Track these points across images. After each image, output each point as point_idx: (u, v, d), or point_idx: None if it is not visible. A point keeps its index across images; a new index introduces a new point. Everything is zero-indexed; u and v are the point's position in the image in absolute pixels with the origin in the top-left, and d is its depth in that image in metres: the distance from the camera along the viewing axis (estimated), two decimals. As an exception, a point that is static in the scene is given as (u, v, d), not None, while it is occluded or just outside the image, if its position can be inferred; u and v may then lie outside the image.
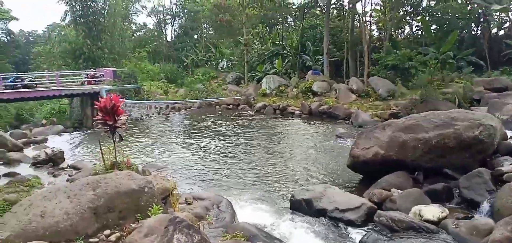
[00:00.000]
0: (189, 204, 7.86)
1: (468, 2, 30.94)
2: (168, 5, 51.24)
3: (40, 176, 10.71)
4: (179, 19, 52.54)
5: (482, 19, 31.23)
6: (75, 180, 8.40)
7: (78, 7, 35.33)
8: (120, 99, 8.99)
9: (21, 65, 52.96)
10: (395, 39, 32.90)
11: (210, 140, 17.52)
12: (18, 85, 25.08)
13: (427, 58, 25.82)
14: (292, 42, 37.63)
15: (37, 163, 12.64)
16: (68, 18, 37.85)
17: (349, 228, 7.56)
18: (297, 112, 24.94)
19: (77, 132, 22.79)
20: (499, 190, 7.37)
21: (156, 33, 52.18)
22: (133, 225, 6.02)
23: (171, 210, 7.22)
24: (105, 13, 36.96)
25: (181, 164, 13.47)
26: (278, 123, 22.10)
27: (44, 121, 28.75)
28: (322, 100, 25.06)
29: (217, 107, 28.21)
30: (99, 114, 8.78)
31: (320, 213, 8.15)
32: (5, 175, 10.88)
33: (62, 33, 43.70)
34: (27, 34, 69.47)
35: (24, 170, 11.86)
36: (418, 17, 32.88)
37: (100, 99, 9.08)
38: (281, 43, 37.97)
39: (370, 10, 32.72)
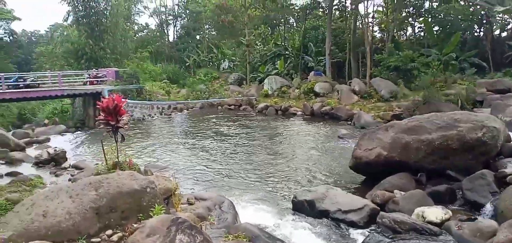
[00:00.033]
0: (191, 204, 7.84)
1: (471, 3, 30.87)
2: (170, 6, 51.43)
3: (42, 176, 10.72)
4: (181, 20, 52.55)
5: (485, 21, 31.18)
6: (77, 180, 8.39)
7: (80, 7, 35.38)
8: (123, 100, 8.99)
9: (24, 65, 53.02)
10: (397, 41, 32.89)
11: (212, 141, 17.51)
12: (21, 85, 25.10)
13: (429, 59, 25.79)
14: (294, 43, 37.60)
15: (39, 163, 12.65)
16: (70, 19, 37.94)
17: (352, 230, 7.55)
18: (299, 113, 24.92)
19: (79, 132, 22.80)
20: (502, 192, 7.34)
21: (158, 33, 52.20)
22: (135, 225, 6.01)
23: (173, 210, 7.21)
24: (108, 13, 37.00)
25: (183, 164, 13.46)
26: (280, 124, 22.08)
27: (46, 121, 28.78)
28: (324, 101, 25.03)
29: (219, 107, 28.20)
30: (102, 114, 8.78)
31: (322, 214, 8.14)
32: (8, 174, 10.89)
33: (65, 33, 43.76)
34: (29, 34, 69.59)
35: (27, 169, 11.87)
36: (421, 19, 32.84)
37: (102, 99, 9.06)
38: (283, 44, 37.96)
39: (373, 11, 32.72)
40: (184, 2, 51.91)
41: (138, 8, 50.18)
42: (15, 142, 15.18)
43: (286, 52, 36.20)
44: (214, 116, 24.94)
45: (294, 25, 42.85)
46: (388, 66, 26.69)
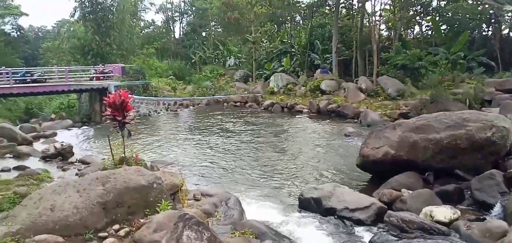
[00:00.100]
0: (197, 200, 7.82)
1: (479, 2, 30.58)
2: (176, 2, 51.43)
3: (50, 170, 10.76)
4: (187, 17, 52.57)
5: (493, 20, 30.86)
6: (84, 174, 8.41)
7: (87, 3, 35.48)
8: (129, 95, 8.99)
9: (31, 60, 53.29)
10: (404, 39, 32.66)
11: (218, 137, 17.51)
12: (28, 80, 25.20)
13: (437, 58, 25.59)
14: (301, 41, 37.48)
15: (46, 157, 12.70)
16: (77, 14, 38.02)
17: (359, 228, 7.49)
18: (305, 110, 24.86)
19: (85, 127, 22.90)
20: (512, 192, 7.26)
21: (164, 30, 52.29)
22: (142, 221, 6.02)
23: (179, 206, 7.20)
24: (114, 9, 37.08)
25: (189, 160, 13.47)
26: (286, 121, 22.04)
27: (53, 116, 28.93)
28: (330, 98, 24.96)
29: (225, 104, 28.19)
30: (108, 109, 8.79)
31: (329, 212, 8.09)
32: (15, 168, 10.95)
33: (71, 29, 43.88)
34: (36, 30, 69.95)
35: (34, 163, 11.92)
36: (428, 17, 32.58)
37: (109, 94, 9.07)
38: (289, 41, 37.85)
39: (380, 10, 32.51)
40: (190, -1, 51.95)
41: (144, 5, 50.25)
42: (23, 136, 15.25)
43: (292, 50, 36.10)
44: (219, 112, 24.94)
45: (301, 22, 42.75)
46: (395, 65, 26.54)
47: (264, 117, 23.39)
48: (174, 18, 51.49)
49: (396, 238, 6.62)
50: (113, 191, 6.18)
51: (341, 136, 17.31)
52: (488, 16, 30.85)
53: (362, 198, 8.24)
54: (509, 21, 29.95)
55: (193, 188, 9.36)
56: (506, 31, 31.32)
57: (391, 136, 9.89)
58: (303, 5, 38.63)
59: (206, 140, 16.91)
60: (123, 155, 8.92)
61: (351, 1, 34.54)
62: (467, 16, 30.33)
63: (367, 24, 31.86)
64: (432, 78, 23.02)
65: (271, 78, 31.45)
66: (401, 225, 6.92)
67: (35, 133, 18.55)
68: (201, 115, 24.43)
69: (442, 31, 30.72)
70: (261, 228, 6.55)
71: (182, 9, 51.50)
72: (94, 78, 28.20)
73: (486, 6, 28.34)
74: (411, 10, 33.12)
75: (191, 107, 27.17)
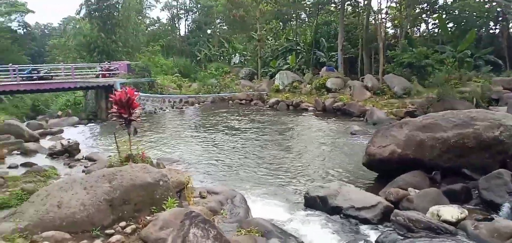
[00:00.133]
0: (203, 198, 7.83)
1: (486, 0, 30.31)
2: (181, 0, 51.44)
3: (56, 167, 10.83)
4: (192, 14, 52.66)
5: (501, 18, 30.55)
6: (91, 171, 8.45)
7: (92, 0, 35.61)
8: (135, 93, 9.01)
9: (37, 57, 53.57)
10: (411, 37, 32.43)
11: (223, 135, 17.52)
12: (34, 77, 25.35)
13: (444, 56, 25.41)
14: (306, 38, 37.37)
15: (53, 154, 12.78)
16: (83, 12, 38.20)
17: (365, 227, 7.45)
18: (311, 108, 24.81)
19: (91, 124, 23.03)
20: (520, 192, 7.18)
21: (169, 27, 52.38)
22: (148, 218, 6.04)
23: (185, 203, 7.21)
24: (119, 7, 37.17)
25: (194, 157, 13.49)
26: (291, 119, 22.00)
27: (59, 113, 29.11)
28: (336, 96, 24.88)
29: (230, 102, 28.22)
30: (115, 107, 8.82)
31: (335, 210, 8.05)
32: (23, 165, 11.02)
33: (77, 26, 44.10)
34: (42, 27, 70.30)
35: (41, 160, 12.01)
36: (435, 15, 32.34)
37: (115, 92, 9.10)
38: (294, 39, 37.76)
39: (386, 7, 32.33)
40: (195, -4, 52.01)
41: (150, 2, 50.40)
42: (30, 133, 15.38)
43: (298, 47, 36.01)
44: (225, 110, 24.95)
45: (306, 20, 42.65)
46: (401, 63, 26.40)
47: (269, 115, 23.37)
48: (180, 15, 51.63)
49: (402, 238, 6.59)
50: (120, 188, 6.21)
51: (347, 134, 17.25)
52: (495, 14, 30.54)
53: (368, 197, 8.19)
54: (517, 19, 29.69)
55: (199, 185, 9.36)
56: (514, 29, 31.02)
57: (397, 135, 9.83)
58: (308, 3, 38.54)
59: (211, 138, 16.93)
60: (129, 152, 8.94)
61: (357, -2, 34.41)
62: (474, 13, 30.07)
63: (373, 22, 31.72)
64: (439, 76, 22.87)
65: (276, 76, 31.41)
66: (407, 224, 6.87)
67: (42, 130, 18.71)
68: (206, 113, 24.46)
69: (449, 29, 30.47)
70: (267, 226, 6.54)
71: (188, 7, 51.61)
72: (100, 76, 28.30)
73: (494, 3, 28.10)
74: (418, 8, 32.89)
75: (196, 104, 27.22)
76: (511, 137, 8.80)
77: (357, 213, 7.72)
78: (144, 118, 20.74)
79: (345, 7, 33.42)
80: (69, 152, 12.85)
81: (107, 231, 5.75)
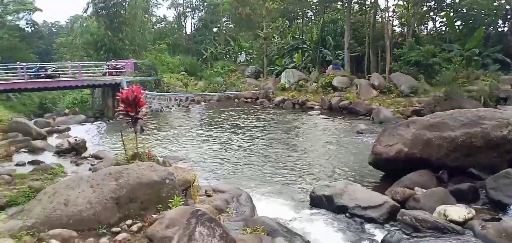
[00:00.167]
0: (209, 196, 7.83)
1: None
2: (188, -2, 51.55)
3: (63, 165, 10.91)
4: (198, 12, 52.73)
5: (509, 16, 30.30)
6: (98, 169, 8.49)
7: (100, -1, 35.84)
8: (142, 91, 9.04)
9: (45, 56, 53.92)
10: (418, 35, 32.26)
11: (229, 133, 17.53)
12: (42, 75, 25.54)
13: (451, 54, 25.24)
14: (312, 37, 37.26)
15: (60, 152, 12.86)
16: (90, 10, 38.45)
17: (371, 226, 7.41)
18: (317, 107, 24.74)
19: (98, 122, 23.14)
20: (529, 192, 7.11)
21: (176, 25, 52.49)
22: (154, 216, 6.05)
23: (191, 202, 7.22)
24: (126, 5, 37.33)
25: (200, 156, 13.51)
26: (297, 117, 21.96)
27: (66, 111, 29.31)
28: (342, 95, 24.80)
29: (236, 100, 28.23)
30: (121, 105, 8.85)
31: (340, 209, 8.02)
32: (30, 162, 11.11)
33: (84, 24, 44.36)
34: (50, 25, 70.77)
35: (48, 158, 12.10)
36: (442, 13, 32.11)
37: (121, 90, 9.13)
38: (301, 37, 37.66)
39: (393, 5, 32.16)
40: (202, -6, 52.05)
41: (156, 0, 50.51)
42: (37, 131, 15.48)
43: (304, 46, 35.92)
44: (231, 108, 24.97)
45: (313, 18, 42.52)
46: (408, 61, 26.25)
47: (275, 114, 23.35)
48: (186, 13, 51.71)
49: (409, 237, 6.54)
50: (126, 187, 6.23)
51: (353, 133, 17.19)
52: (504, 12, 30.27)
53: (375, 196, 8.15)
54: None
55: (205, 184, 9.38)
56: (522, 27, 30.71)
57: (404, 134, 9.78)
58: (315, 1, 38.38)
59: (217, 136, 16.95)
60: (136, 150, 8.97)
61: (364, -4, 34.27)
62: (483, 11, 29.83)
63: (380, 20, 31.54)
64: (446, 75, 22.71)
65: (282, 74, 31.37)
66: (414, 224, 6.82)
67: (49, 127, 18.82)
68: (212, 111, 24.50)
69: (457, 27, 30.24)
70: (272, 225, 6.52)
71: (194, 5, 51.69)
72: (107, 74, 28.43)
73: (502, 1, 27.84)
74: (425, 6, 32.67)
75: (202, 103, 27.27)
76: (519, 136, 8.73)
77: (363, 213, 7.69)
78: (150, 116, 20.82)
79: (352, 5, 33.30)
80: (76, 150, 12.93)
81: (114, 229, 5.78)
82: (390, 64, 26.25)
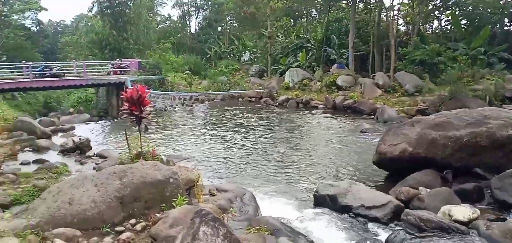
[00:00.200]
0: (212, 195, 7.83)
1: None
2: (192, -3, 51.61)
3: (68, 164, 10.94)
4: (203, 11, 52.76)
5: (516, 14, 30.07)
6: (102, 168, 8.51)
7: (105, -2, 35.95)
8: (146, 90, 9.05)
9: (50, 55, 54.22)
10: (423, 34, 32.09)
11: (233, 132, 17.53)
12: (47, 74, 25.69)
13: (456, 53, 25.12)
14: (317, 35, 37.19)
15: (64, 151, 12.90)
16: (95, 9, 38.54)
17: (375, 226, 7.38)
18: (321, 106, 24.69)
19: (102, 121, 23.22)
20: (534, 192, 7.05)
21: (180, 24, 52.58)
22: (158, 215, 6.06)
23: (195, 201, 7.23)
24: (131, 4, 37.43)
25: (204, 155, 13.52)
26: (301, 117, 21.93)
27: (71, 110, 29.49)
28: (346, 94, 24.73)
29: (240, 99, 28.22)
30: (126, 104, 8.87)
31: (344, 209, 8.00)
32: (35, 161, 11.15)
33: (89, 23, 44.52)
34: (55, 24, 71.13)
35: (53, 157, 12.14)
36: (448, 12, 31.94)
37: (126, 89, 9.16)
38: (305, 36, 37.59)
39: (398, 4, 31.99)
40: (206, -7, 52.08)
41: (161, -1, 50.63)
42: (42, 130, 15.53)
43: (308, 44, 35.83)
44: (234, 108, 24.97)
45: (317, 17, 42.42)
46: (413, 60, 26.15)
47: (279, 113, 23.32)
48: (190, 12, 51.78)
49: (413, 237, 6.51)
50: (130, 186, 6.24)
51: (357, 132, 17.14)
52: (510, 10, 30.02)
53: (379, 196, 8.12)
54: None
55: (208, 183, 9.39)
56: (529, 26, 30.51)
57: (409, 133, 9.74)
58: (319, -1, 38.35)
59: (220, 135, 16.96)
60: (140, 149, 8.99)
61: (368, -5, 34.15)
62: (489, 10, 29.64)
63: (385, 19, 31.41)
64: (451, 74, 22.59)
65: (286, 73, 31.32)
66: (418, 224, 6.79)
67: (54, 126, 18.89)
68: (216, 110, 24.50)
69: (462, 26, 30.09)
70: (276, 225, 6.52)
71: (198, 4, 51.72)
72: (111, 73, 28.54)
73: (508, 0, 27.63)
74: (430, 4, 32.51)
75: (206, 102, 27.28)
76: (525, 136, 8.66)
77: (367, 212, 7.66)
78: (154, 115, 20.85)
79: (357, 4, 33.16)
80: (80, 149, 12.97)
81: (117, 228, 5.78)
82: (394, 63, 26.13)
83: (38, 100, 35.90)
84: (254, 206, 7.67)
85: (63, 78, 25.92)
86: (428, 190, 8.31)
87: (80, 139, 13.58)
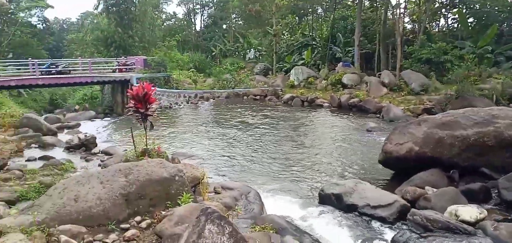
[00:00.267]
0: (218, 193, 7.83)
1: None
2: (197, -5, 51.63)
3: (73, 160, 11.01)
4: (208, 9, 52.76)
5: (523, 12, 29.75)
6: (108, 166, 8.53)
7: (110, -5, 36.02)
8: (152, 88, 9.06)
9: (55, 52, 54.52)
10: (429, 32, 31.86)
11: (237, 130, 17.52)
12: (53, 71, 25.80)
13: (463, 52, 24.91)
14: (322, 33, 37.04)
15: (70, 148, 12.98)
16: (100, 7, 38.61)
17: (381, 225, 7.34)
18: (326, 104, 24.58)
19: (108, 118, 23.30)
20: (542, 193, 6.98)
21: (185, 22, 52.62)
22: (163, 213, 6.05)
23: (200, 199, 7.22)
24: (136, 2, 37.51)
25: (209, 152, 13.53)
26: (306, 115, 21.86)
27: (77, 107, 29.60)
28: (352, 93, 24.60)
29: (245, 97, 28.17)
30: (131, 101, 8.88)
31: (350, 208, 7.96)
32: (41, 158, 11.22)
33: (95, 21, 44.71)
34: (61, 22, 71.42)
35: (58, 154, 12.21)
36: (455, 10, 31.68)
37: (131, 87, 9.17)
38: (310, 34, 37.45)
39: (404, 1, 31.73)
40: (211, -9, 52.07)
41: (166, -3, 50.69)
42: (47, 126, 15.64)
43: (314, 42, 35.70)
44: (239, 105, 24.95)
45: (323, 14, 42.25)
46: (419, 58, 25.96)
47: (284, 111, 23.27)
48: (195, 10, 51.78)
49: (419, 237, 6.47)
50: (136, 183, 6.24)
51: (363, 131, 17.07)
52: (518, 9, 29.77)
53: (385, 195, 8.07)
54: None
55: (213, 181, 9.38)
56: (537, 24, 30.19)
57: (415, 132, 9.67)
58: (325, -2, 38.20)
59: (225, 133, 16.96)
60: (145, 147, 9.00)
61: (375, -7, 33.94)
62: (496, 8, 29.35)
63: (391, 17, 31.21)
64: (458, 72, 22.39)
65: (291, 71, 31.20)
66: (425, 224, 6.74)
67: (60, 123, 19.02)
68: (221, 108, 24.49)
69: (469, 24, 29.82)
70: (281, 223, 6.50)
71: (204, 1, 51.69)
72: (117, 70, 28.61)
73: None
74: (437, 2, 32.26)
75: (211, 100, 27.26)
76: (533, 136, 8.57)
77: (373, 212, 7.62)
78: (159, 112, 20.87)
79: (363, 2, 32.96)
80: (86, 146, 13.03)
81: (123, 226, 5.80)
82: (400, 61, 25.95)
83: (44, 97, 36.06)
84: (259, 204, 7.65)
85: (69, 76, 26.01)
86: (435, 189, 8.26)
87: (85, 136, 13.64)
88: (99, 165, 10.59)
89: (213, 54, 43.22)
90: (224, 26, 51.02)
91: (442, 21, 36.43)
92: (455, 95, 19.79)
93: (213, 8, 52.19)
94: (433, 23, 36.63)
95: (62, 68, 26.76)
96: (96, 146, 13.31)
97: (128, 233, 5.54)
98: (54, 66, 26.60)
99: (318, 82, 28.70)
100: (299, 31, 39.90)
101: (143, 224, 5.86)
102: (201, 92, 27.98)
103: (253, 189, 8.29)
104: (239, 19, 50.45)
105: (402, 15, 30.48)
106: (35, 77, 24.19)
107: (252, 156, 13.08)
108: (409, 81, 24.31)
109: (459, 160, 9.01)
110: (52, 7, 48.49)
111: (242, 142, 15.30)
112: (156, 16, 45.86)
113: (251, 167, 11.89)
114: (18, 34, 40.31)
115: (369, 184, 9.01)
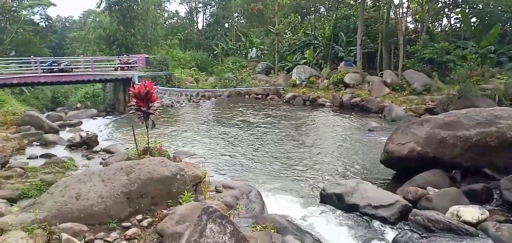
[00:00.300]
0: (219, 192, 7.82)
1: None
2: (200, -7, 51.61)
3: (75, 158, 11.01)
4: (210, 8, 52.73)
5: (527, 13, 29.62)
6: (109, 164, 8.53)
7: (112, -6, 36.05)
8: (154, 86, 9.06)
9: (58, 50, 54.62)
10: (432, 32, 31.75)
11: (239, 129, 17.52)
12: (55, 69, 25.85)
13: (466, 52, 24.83)
14: (325, 32, 36.97)
15: (72, 146, 12.98)
16: (103, 5, 38.67)
17: (382, 226, 7.32)
18: (328, 104, 24.55)
19: (109, 116, 23.32)
20: (545, 194, 6.95)
21: (187, 21, 52.60)
22: (164, 212, 6.05)
23: (201, 197, 7.22)
24: (139, 0, 37.49)
25: (210, 151, 13.53)
26: (308, 114, 21.84)
27: (78, 105, 29.66)
28: (354, 92, 24.56)
29: (246, 96, 28.14)
30: (133, 100, 8.89)
31: (351, 208, 7.94)
32: (42, 156, 11.23)
33: (97, 19, 44.73)
34: (63, 20, 71.54)
35: (60, 151, 12.21)
36: (458, 9, 31.57)
37: (133, 85, 9.18)
38: (313, 33, 37.39)
39: (407, 1, 31.66)
40: (214, -11, 52.05)
41: (169, -5, 50.65)
42: (49, 124, 15.65)
43: (316, 42, 35.64)
44: (241, 104, 24.93)
45: (325, 14, 42.17)
46: (422, 58, 25.90)
47: (286, 110, 23.25)
48: (198, 9, 51.76)
49: (421, 237, 6.45)
50: (137, 182, 6.25)
51: (364, 131, 17.05)
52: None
53: (386, 195, 8.05)
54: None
55: (214, 179, 9.37)
56: (540, 25, 30.05)
57: (418, 132, 9.65)
58: (328, -4, 38.12)
59: (227, 132, 16.95)
60: (147, 145, 9.00)
61: (377, -8, 33.86)
62: (499, 8, 29.21)
63: (394, 16, 31.12)
64: (461, 72, 22.32)
65: (293, 70, 31.16)
66: (426, 224, 6.72)
67: (61, 121, 19.03)
68: (223, 107, 24.48)
69: (472, 24, 29.70)
70: (282, 223, 6.49)
71: (206, 0, 51.66)
72: (119, 68, 28.64)
73: (520, -2, 27.26)
74: (440, 2, 32.15)
75: (212, 98, 27.25)
76: (536, 136, 8.54)
77: (374, 212, 7.60)
78: (161, 111, 20.89)
79: (365, 1, 32.88)
80: (88, 144, 13.03)
81: (124, 224, 5.80)
82: (403, 61, 25.88)
83: (45, 95, 36.15)
84: (260, 203, 7.65)
85: (71, 74, 26.06)
86: (436, 190, 8.23)
87: (87, 134, 13.64)
88: (101, 163, 10.59)
89: (215, 52, 43.21)
90: (226, 25, 50.99)
91: (445, 20, 36.38)
92: (458, 95, 19.74)
93: (215, 6, 52.18)
94: (436, 23, 36.53)
95: (64, 66, 26.80)
96: (98, 144, 13.30)
97: (130, 232, 5.54)
98: (56, 64, 26.65)
99: (320, 81, 28.67)
100: (301, 30, 39.84)
101: (145, 223, 5.86)
102: (202, 90, 27.98)
103: (254, 188, 8.29)
104: (241, 18, 50.42)
105: (404, 14, 30.37)
106: (37, 75, 24.24)
107: (253, 155, 13.08)
108: (411, 80, 24.25)
109: (461, 161, 8.99)
110: (55, 5, 48.62)
111: (243, 141, 15.29)
112: (158, 14, 45.87)
113: (252, 166, 11.89)
114: (20, 32, 40.40)
115: (371, 184, 8.99)
